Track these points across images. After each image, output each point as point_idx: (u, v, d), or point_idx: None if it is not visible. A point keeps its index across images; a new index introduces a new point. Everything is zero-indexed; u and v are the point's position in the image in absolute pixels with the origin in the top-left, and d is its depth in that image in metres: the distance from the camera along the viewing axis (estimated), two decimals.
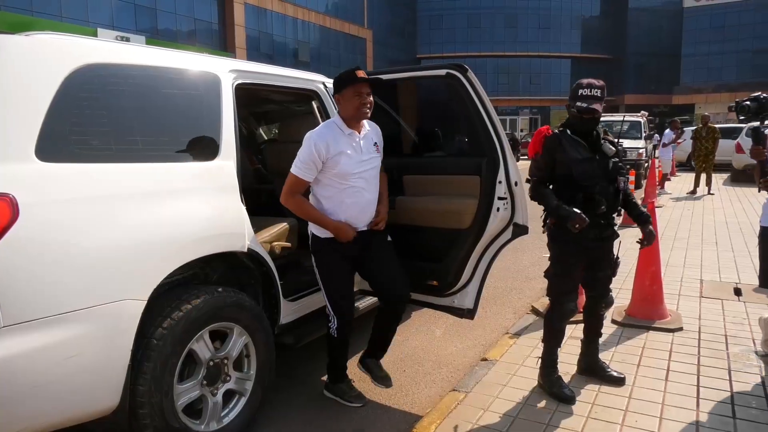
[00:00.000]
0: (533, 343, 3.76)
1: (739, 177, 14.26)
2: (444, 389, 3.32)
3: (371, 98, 2.80)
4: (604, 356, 3.44)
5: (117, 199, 2.28)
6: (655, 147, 16.24)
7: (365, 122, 2.91)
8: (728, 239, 7.17)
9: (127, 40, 17.31)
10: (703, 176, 12.13)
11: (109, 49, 2.49)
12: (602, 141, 3.01)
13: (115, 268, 2.19)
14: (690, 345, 3.73)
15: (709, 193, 11.89)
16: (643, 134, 14.80)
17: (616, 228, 3.09)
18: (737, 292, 4.88)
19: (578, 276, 3.09)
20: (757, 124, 3.17)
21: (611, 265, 3.13)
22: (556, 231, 3.00)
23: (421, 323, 4.49)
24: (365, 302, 3.82)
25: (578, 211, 2.79)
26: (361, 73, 2.73)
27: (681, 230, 7.90)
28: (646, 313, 4.16)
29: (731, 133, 15.73)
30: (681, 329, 4.00)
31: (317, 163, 2.73)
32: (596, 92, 2.87)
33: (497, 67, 51.19)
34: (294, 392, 3.36)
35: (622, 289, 4.89)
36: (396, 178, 3.44)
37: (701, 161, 12.08)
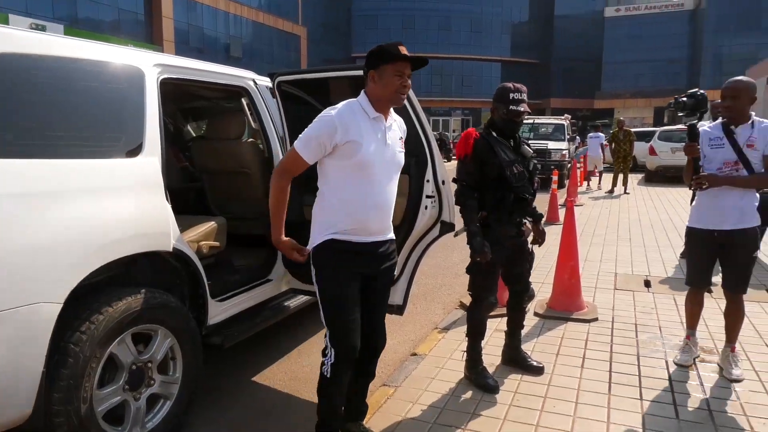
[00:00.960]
0: (461, 337, 3.88)
1: (653, 177, 15.31)
2: (374, 385, 3.36)
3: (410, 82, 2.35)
4: (526, 347, 3.61)
5: (28, 197, 2.17)
6: (577, 148, 17.13)
7: (392, 111, 2.44)
8: (641, 235, 7.68)
9: (43, 28, 16.30)
10: (620, 176, 12.89)
11: (22, 38, 2.36)
12: (522, 144, 3.19)
13: (26, 271, 2.08)
14: (604, 334, 3.98)
15: (625, 193, 12.65)
16: (567, 136, 15.54)
17: (526, 224, 3.28)
18: (647, 284, 5.25)
19: (498, 272, 3.23)
20: (695, 121, 3.21)
21: (528, 259, 3.31)
22: (486, 229, 3.12)
23: None
24: (296, 301, 3.82)
25: (487, 249, 2.96)
26: (405, 50, 2.26)
27: (599, 227, 8.36)
28: (565, 306, 4.40)
29: (645, 137, 16.82)
30: (596, 319, 4.25)
31: (325, 145, 2.23)
32: (523, 96, 3.04)
33: (431, 69, 51.90)
34: (224, 393, 3.31)
35: (543, 283, 5.14)
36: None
37: (619, 162, 12.83)
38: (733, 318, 3.31)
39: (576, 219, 4.62)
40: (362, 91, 2.35)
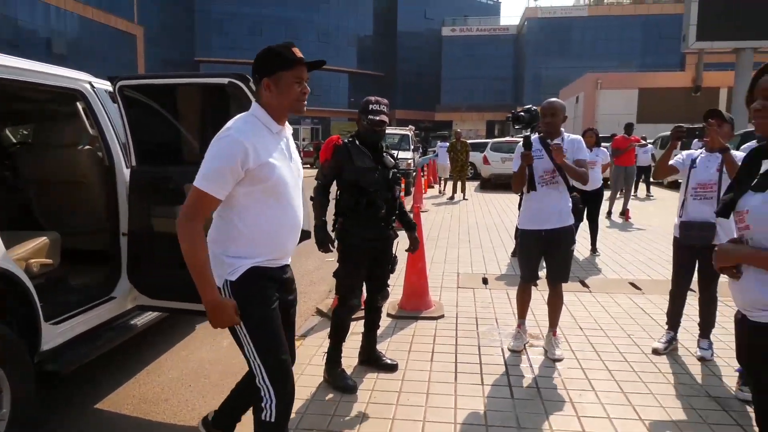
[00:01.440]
0: (318, 342, 3.97)
1: (486, 185, 16.82)
2: None
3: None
4: (381, 346, 3.80)
5: None
6: (422, 155, 18.22)
7: None
8: (478, 238, 8.43)
9: None
10: (459, 184, 13.99)
11: None
12: (384, 153, 3.38)
13: None
14: (450, 329, 4.33)
15: (464, 199, 13.76)
16: (411, 146, 16.47)
17: (394, 230, 3.46)
18: (485, 281, 5.81)
19: (363, 274, 3.38)
20: (529, 133, 3.60)
21: (389, 262, 3.49)
22: (344, 233, 3.26)
23: (207, 335, 4.38)
24: (144, 318, 3.61)
25: (329, 243, 3.26)
26: (299, 53, 2.04)
27: (443, 231, 9.01)
28: (415, 305, 4.70)
29: (479, 147, 18.44)
30: (443, 316, 4.61)
31: (237, 173, 1.91)
32: (383, 107, 3.23)
33: None
34: (66, 426, 3.02)
35: (395, 285, 5.43)
36: (176, 187, 3.33)
37: (457, 171, 13.91)
38: (555, 306, 3.83)
39: (422, 225, 4.97)
40: (254, 104, 2.08)
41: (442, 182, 16.49)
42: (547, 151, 3.60)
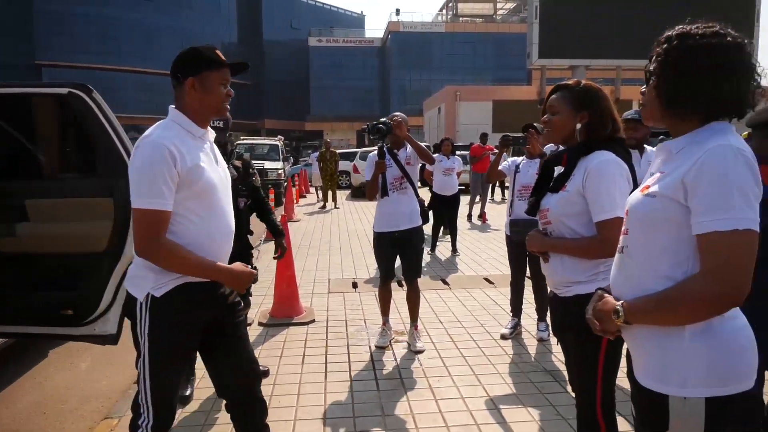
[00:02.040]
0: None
1: (357, 193, 17.25)
2: (95, 420, 3.16)
3: None
4: None
5: None
6: (293, 165, 18.23)
7: None
8: (348, 244, 8.69)
9: None
10: (330, 192, 14.23)
11: None
12: (228, 165, 3.32)
13: None
14: (320, 332, 4.47)
15: (335, 207, 14.01)
16: (281, 156, 16.42)
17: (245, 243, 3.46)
18: (354, 285, 6.04)
19: None
20: (382, 143, 3.90)
21: None
22: None
23: (63, 359, 4.09)
24: None
25: None
26: (222, 56, 1.99)
27: (314, 239, 9.14)
28: (286, 312, 4.78)
29: (350, 157, 18.86)
30: (314, 321, 4.74)
31: (173, 175, 1.81)
32: (219, 123, 3.14)
33: (138, 84, 48.52)
34: None
35: (266, 295, 5.46)
36: (17, 203, 3.11)
37: (327, 180, 14.14)
38: (413, 301, 4.16)
39: (294, 233, 5.07)
40: (172, 109, 1.98)
41: (319, 191, 16.66)
42: (395, 160, 3.90)
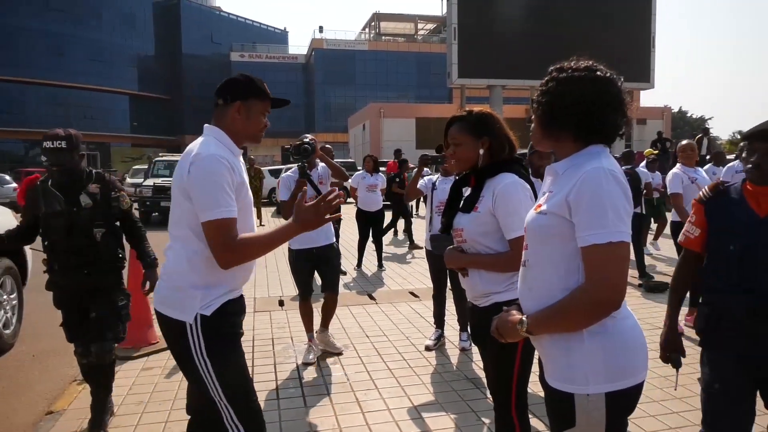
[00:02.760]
0: None
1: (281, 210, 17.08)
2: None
3: None
4: (174, 379, 3.75)
5: None
6: None
7: None
8: (275, 262, 8.60)
9: None
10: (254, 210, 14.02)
11: None
12: (83, 193, 2.99)
13: None
14: (246, 352, 4.39)
15: (260, 224, 13.81)
16: None
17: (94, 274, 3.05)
18: (281, 303, 6.00)
19: (76, 320, 3.10)
20: (304, 163, 3.93)
21: (106, 307, 3.07)
22: (49, 280, 3.09)
23: None
24: None
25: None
26: (268, 89, 2.09)
27: None
28: None
29: (276, 173, 18.68)
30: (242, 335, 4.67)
31: (233, 188, 1.88)
32: (61, 144, 2.87)
33: (46, 97, 45.61)
34: None
35: None
36: None
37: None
38: (329, 309, 4.36)
39: None
40: (212, 128, 2.02)
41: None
42: (309, 180, 3.96)
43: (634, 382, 1.43)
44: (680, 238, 2.17)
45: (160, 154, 20.08)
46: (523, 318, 1.49)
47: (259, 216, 13.99)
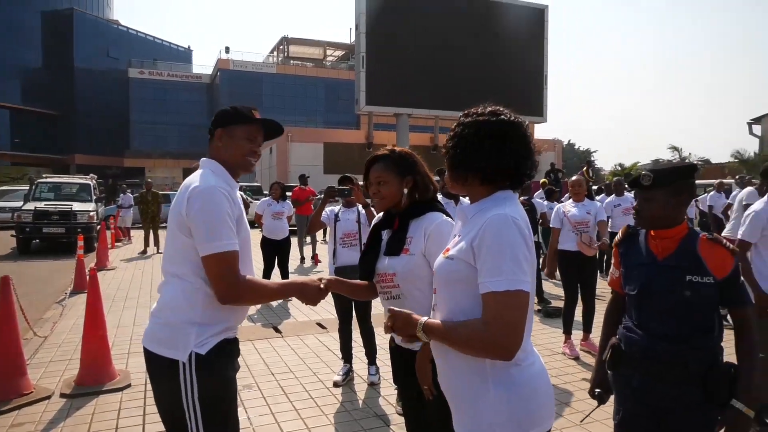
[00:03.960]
0: None
1: None
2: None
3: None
4: None
5: None
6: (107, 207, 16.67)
7: None
8: None
9: None
10: (152, 236, 13.20)
11: None
12: None
13: None
14: (138, 397, 4.04)
15: (158, 252, 12.99)
16: (94, 197, 14.86)
17: None
18: None
19: None
20: None
21: None
22: None
23: None
24: None
25: None
26: (258, 114, 2.00)
27: (132, 290, 8.33)
28: (96, 378, 4.24)
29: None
30: (129, 385, 4.27)
31: (232, 216, 1.84)
32: None
33: None
34: None
35: (71, 359, 4.81)
36: None
37: (148, 223, 13.11)
38: None
39: (107, 285, 4.57)
40: (207, 159, 1.98)
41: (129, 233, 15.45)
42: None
43: (542, 431, 1.41)
44: (608, 278, 2.30)
45: (44, 175, 18.42)
46: (422, 320, 1.47)
47: (156, 243, 13.18)
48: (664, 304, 1.94)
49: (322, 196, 4.15)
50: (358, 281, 2.08)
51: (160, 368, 1.79)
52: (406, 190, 2.08)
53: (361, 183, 3.88)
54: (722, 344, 1.94)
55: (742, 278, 1.94)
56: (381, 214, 2.23)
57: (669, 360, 1.91)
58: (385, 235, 2.13)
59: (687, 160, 33.96)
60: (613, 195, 8.36)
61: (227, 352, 1.86)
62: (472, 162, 1.47)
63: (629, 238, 2.14)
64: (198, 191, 1.78)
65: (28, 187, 15.63)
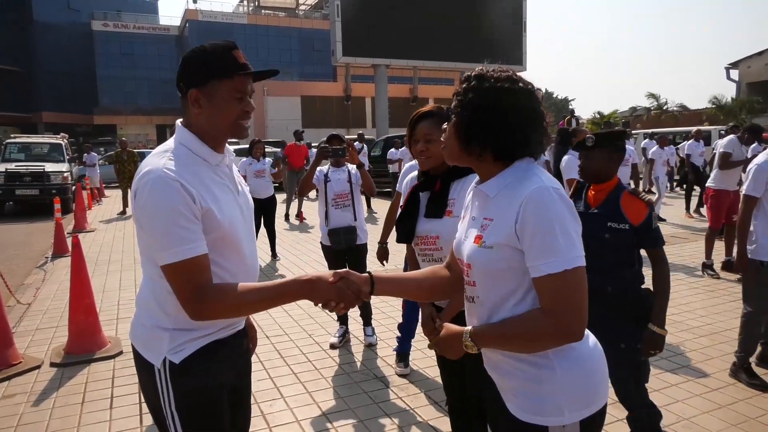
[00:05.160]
0: None
1: None
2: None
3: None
4: (44, 406, 3.26)
5: None
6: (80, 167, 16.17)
7: None
8: None
9: None
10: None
11: None
12: None
13: None
14: (130, 365, 3.95)
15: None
16: (66, 157, 14.37)
17: None
18: None
19: None
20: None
21: None
22: None
23: None
24: None
25: None
26: (243, 57, 1.51)
27: (114, 252, 8.14)
28: (86, 347, 4.15)
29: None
30: (121, 353, 4.19)
31: (197, 214, 1.40)
32: None
33: None
34: None
35: (58, 326, 4.70)
36: None
37: (126, 182, 12.77)
38: None
39: (89, 247, 4.41)
40: (179, 127, 1.53)
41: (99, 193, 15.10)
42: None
43: (603, 404, 1.38)
44: None
45: (12, 136, 17.70)
46: (466, 330, 1.36)
47: None
48: (592, 245, 1.95)
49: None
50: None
51: (139, 366, 1.57)
52: None
53: (355, 142, 3.73)
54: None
55: (655, 225, 2.34)
56: (411, 174, 2.29)
57: (596, 288, 1.94)
58: (423, 197, 2.11)
59: (665, 107, 34.15)
60: None
61: (216, 357, 1.54)
62: (488, 136, 1.32)
63: (577, 192, 2.57)
64: (143, 182, 1.41)
65: None
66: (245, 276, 1.57)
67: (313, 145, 15.59)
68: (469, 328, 1.37)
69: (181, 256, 1.37)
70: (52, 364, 3.98)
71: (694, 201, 10.76)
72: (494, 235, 1.31)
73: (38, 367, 3.96)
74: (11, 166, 12.80)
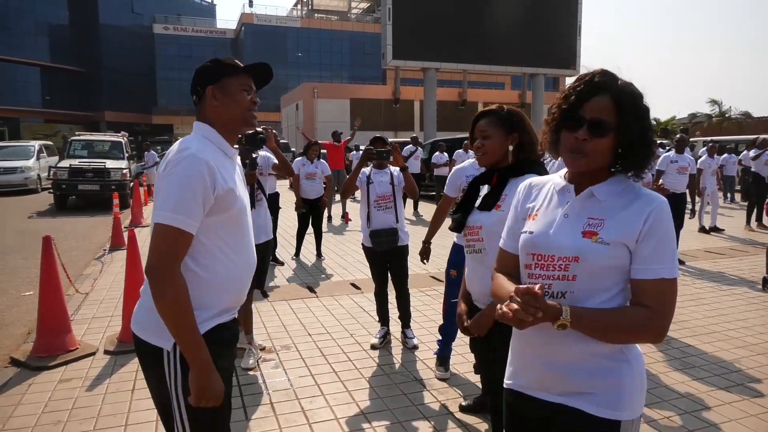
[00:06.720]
0: (15, 401, 3.34)
1: None
2: None
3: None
4: (97, 391, 3.41)
5: None
6: (145, 165, 16.81)
7: None
8: None
9: None
10: None
11: None
12: None
13: None
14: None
15: None
16: (126, 154, 15.02)
17: None
18: None
19: None
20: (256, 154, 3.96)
21: None
22: None
23: None
24: None
25: None
26: (241, 64, 1.81)
27: None
28: None
29: None
30: None
31: (207, 199, 1.59)
32: None
33: None
34: None
35: (113, 316, 4.91)
36: None
37: None
38: (248, 313, 4.05)
39: (144, 242, 4.61)
40: (200, 125, 1.76)
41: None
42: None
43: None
44: None
45: (77, 133, 18.64)
46: (566, 307, 1.27)
47: None
48: None
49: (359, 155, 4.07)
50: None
51: (145, 355, 1.64)
52: (511, 148, 2.15)
53: (409, 145, 3.74)
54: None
55: None
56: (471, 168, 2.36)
57: None
58: (484, 191, 2.20)
59: (727, 114, 32.66)
60: (673, 151, 7.91)
61: (222, 339, 1.65)
62: (646, 155, 1.39)
63: None
64: (175, 158, 1.59)
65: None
66: (248, 264, 1.75)
67: (360, 147, 15.71)
68: (567, 306, 1.30)
69: (176, 223, 1.52)
70: (106, 352, 4.17)
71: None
72: (612, 233, 1.36)
73: (93, 353, 4.15)
74: (75, 162, 13.49)
